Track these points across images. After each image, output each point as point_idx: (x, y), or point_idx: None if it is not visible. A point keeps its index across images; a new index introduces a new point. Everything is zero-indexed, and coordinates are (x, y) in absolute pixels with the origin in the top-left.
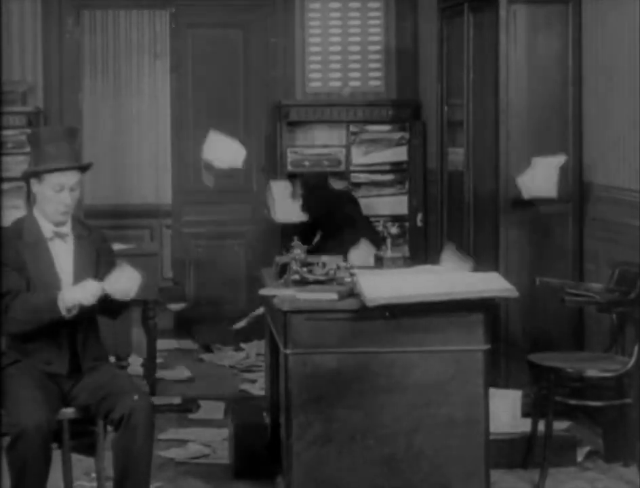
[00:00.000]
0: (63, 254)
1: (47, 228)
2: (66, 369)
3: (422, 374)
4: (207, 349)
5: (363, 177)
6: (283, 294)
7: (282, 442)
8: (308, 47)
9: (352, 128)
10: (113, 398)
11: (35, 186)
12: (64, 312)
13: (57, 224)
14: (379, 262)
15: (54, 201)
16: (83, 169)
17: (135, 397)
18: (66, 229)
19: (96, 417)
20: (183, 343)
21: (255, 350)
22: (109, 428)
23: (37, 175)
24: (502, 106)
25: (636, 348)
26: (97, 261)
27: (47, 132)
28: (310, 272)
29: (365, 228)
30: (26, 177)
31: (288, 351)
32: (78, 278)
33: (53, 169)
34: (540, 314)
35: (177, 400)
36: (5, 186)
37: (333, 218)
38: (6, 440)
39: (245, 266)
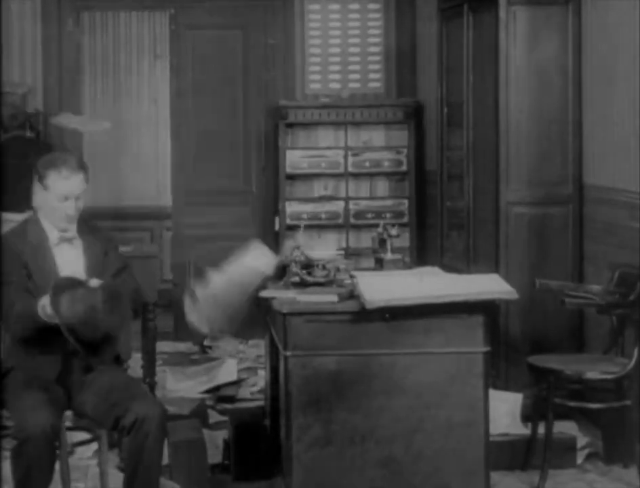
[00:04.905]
0: (72, 258)
1: (52, 233)
2: (55, 373)
3: (421, 376)
4: (206, 351)
5: (362, 179)
6: (282, 296)
7: (282, 444)
8: (307, 49)
9: (352, 129)
10: (125, 404)
11: (40, 193)
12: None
13: (63, 230)
14: (379, 264)
15: (59, 210)
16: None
17: (148, 404)
18: (72, 233)
19: (104, 424)
20: (183, 346)
21: (254, 351)
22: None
23: (43, 182)
24: (501, 107)
25: (635, 350)
26: (104, 261)
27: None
28: (309, 274)
29: None
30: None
31: (288, 353)
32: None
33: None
34: (540, 316)
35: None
36: None
37: None
38: (10, 443)
39: None
